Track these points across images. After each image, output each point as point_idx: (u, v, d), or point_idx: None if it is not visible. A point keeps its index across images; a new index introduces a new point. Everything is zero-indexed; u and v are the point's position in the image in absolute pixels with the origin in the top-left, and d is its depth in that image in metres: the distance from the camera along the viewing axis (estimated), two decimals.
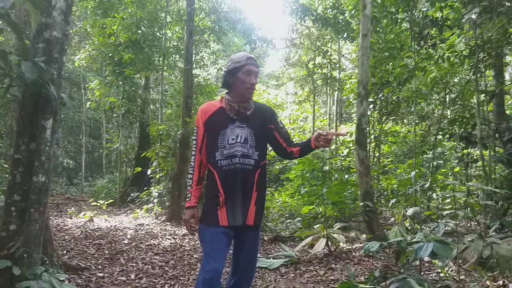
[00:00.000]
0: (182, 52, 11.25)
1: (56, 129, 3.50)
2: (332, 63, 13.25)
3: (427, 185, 6.28)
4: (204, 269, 2.28)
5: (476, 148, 6.49)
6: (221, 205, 2.33)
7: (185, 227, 2.45)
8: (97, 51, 11.83)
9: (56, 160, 19.01)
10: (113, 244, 5.88)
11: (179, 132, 8.70)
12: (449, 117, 8.92)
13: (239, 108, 2.39)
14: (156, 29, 11.86)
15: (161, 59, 11.68)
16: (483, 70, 6.86)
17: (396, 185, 8.77)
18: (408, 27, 7.45)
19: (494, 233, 4.84)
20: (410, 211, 3.75)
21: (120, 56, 11.11)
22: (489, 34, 6.16)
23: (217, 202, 2.34)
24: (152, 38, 11.63)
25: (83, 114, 19.01)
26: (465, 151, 6.86)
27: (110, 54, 11.35)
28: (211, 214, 2.36)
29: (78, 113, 19.64)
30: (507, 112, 8.44)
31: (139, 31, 11.21)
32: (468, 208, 4.66)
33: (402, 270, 3.32)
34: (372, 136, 9.99)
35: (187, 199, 2.45)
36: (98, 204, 10.20)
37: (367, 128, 7.54)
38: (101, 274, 4.15)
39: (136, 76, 12.96)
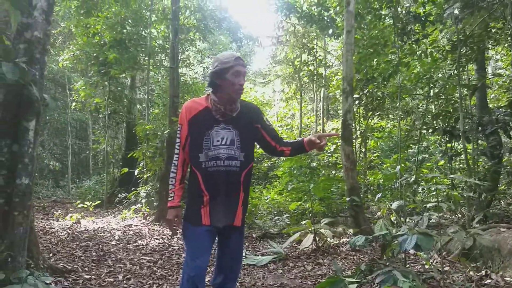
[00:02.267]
0: (168, 51, 11.18)
1: (39, 131, 3.46)
2: (318, 60, 13.33)
3: (412, 179, 6.38)
4: (189, 267, 2.28)
5: (460, 142, 6.60)
6: (204, 204, 2.32)
7: (168, 229, 2.45)
8: (81, 51, 11.69)
9: (42, 163, 18.75)
10: (101, 246, 5.83)
11: (166, 132, 8.66)
12: (433, 111, 9.05)
13: (226, 110, 2.34)
14: (141, 28, 11.76)
15: (146, 58, 11.60)
16: (465, 64, 6.96)
17: (382, 180, 8.87)
18: (391, 23, 7.54)
19: (477, 224, 4.94)
20: (395, 205, 3.81)
21: (105, 56, 11.00)
22: (471, 29, 6.27)
23: (201, 201, 2.32)
24: (137, 37, 11.54)
25: (69, 116, 18.77)
26: (448, 144, 6.98)
27: (95, 54, 11.24)
28: (194, 213, 2.34)
29: (64, 115, 19.37)
30: (490, 105, 8.58)
31: (124, 30, 11.12)
32: (451, 200, 4.74)
33: (387, 263, 3.37)
34: (358, 132, 10.08)
35: (170, 199, 2.41)
36: (85, 206, 10.10)
37: (353, 124, 7.61)
38: (88, 276, 4.12)
39: (121, 76, 12.83)
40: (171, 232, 2.51)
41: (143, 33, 11.88)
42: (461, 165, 8.82)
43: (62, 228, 7.54)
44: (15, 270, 3.00)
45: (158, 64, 13.11)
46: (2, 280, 2.86)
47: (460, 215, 6.77)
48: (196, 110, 2.38)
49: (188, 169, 2.45)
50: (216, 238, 2.46)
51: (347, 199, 5.81)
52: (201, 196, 2.32)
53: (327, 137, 2.44)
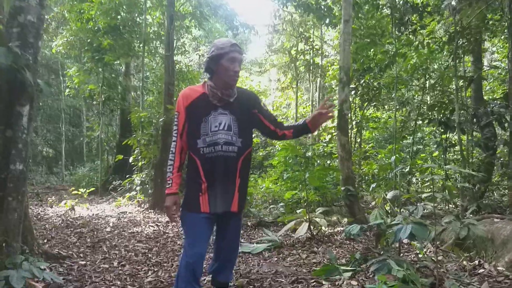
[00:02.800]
0: (163, 38, 11.05)
1: (33, 116, 3.42)
2: (314, 49, 13.26)
3: (407, 170, 6.41)
4: (187, 254, 2.29)
5: (455, 133, 6.64)
6: (203, 192, 2.33)
7: (167, 216, 2.46)
8: (75, 37, 11.55)
9: (35, 149, 18.64)
10: (95, 232, 5.83)
11: (161, 119, 8.61)
12: (428, 103, 9.07)
13: (222, 95, 2.35)
14: (136, 14, 11.61)
15: (141, 45, 11.47)
16: (462, 56, 6.96)
17: (376, 170, 8.92)
18: (389, 13, 7.50)
19: (471, 215, 4.99)
20: (389, 195, 3.83)
21: (99, 42, 10.86)
22: (468, 21, 6.25)
23: (199, 189, 2.33)
24: (131, 23, 11.39)
25: (62, 102, 18.61)
26: (443, 136, 7.01)
27: (89, 40, 11.10)
28: (193, 200, 2.35)
29: (57, 101, 19.21)
30: (485, 97, 8.62)
31: (118, 16, 10.96)
32: (446, 191, 4.78)
33: (382, 252, 3.40)
34: (354, 122, 10.09)
35: (167, 186, 2.42)
36: (79, 192, 10.07)
37: (349, 114, 7.61)
38: (83, 262, 4.12)
39: (116, 62, 12.70)
40: (169, 219, 2.52)
41: (137, 19, 11.73)
42: (456, 156, 8.88)
43: (56, 214, 7.52)
44: (10, 256, 3.00)
45: (153, 51, 12.99)
46: None
47: (454, 206, 6.84)
48: (193, 96, 2.39)
49: (187, 157, 2.46)
50: (214, 227, 2.48)
51: (342, 188, 5.83)
52: (199, 184, 2.33)
53: (327, 107, 2.42)
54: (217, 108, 2.36)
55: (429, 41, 7.23)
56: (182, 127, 2.40)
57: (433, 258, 3.24)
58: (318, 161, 9.18)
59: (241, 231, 5.73)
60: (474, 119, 6.20)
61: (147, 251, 4.76)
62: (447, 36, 6.95)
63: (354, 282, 3.04)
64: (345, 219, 5.95)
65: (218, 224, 2.50)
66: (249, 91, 2.66)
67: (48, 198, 9.73)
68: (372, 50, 8.50)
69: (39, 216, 7.22)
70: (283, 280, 3.34)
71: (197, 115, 2.36)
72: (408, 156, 8.13)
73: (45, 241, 5.08)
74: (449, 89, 7.86)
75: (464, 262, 3.41)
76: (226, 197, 2.35)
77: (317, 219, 5.33)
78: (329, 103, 2.42)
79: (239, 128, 2.39)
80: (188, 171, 2.44)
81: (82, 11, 10.90)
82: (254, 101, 2.52)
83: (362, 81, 8.96)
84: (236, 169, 2.37)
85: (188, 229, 2.37)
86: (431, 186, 3.78)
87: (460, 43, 6.55)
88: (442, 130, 6.67)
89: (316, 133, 13.42)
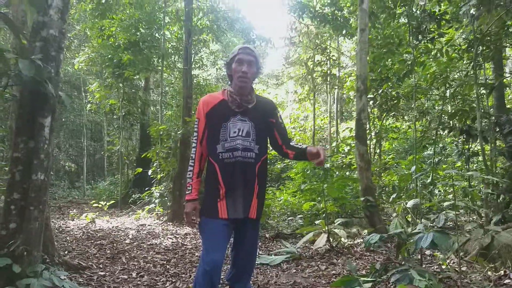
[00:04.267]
0: (181, 52, 11.25)
1: (54, 128, 3.50)
2: (331, 60, 13.24)
3: (428, 180, 6.25)
4: (204, 261, 2.28)
5: (477, 142, 6.47)
6: (221, 197, 2.33)
7: (186, 222, 2.48)
8: (96, 54, 11.84)
9: (58, 164, 19.05)
10: (115, 244, 5.87)
11: (179, 132, 8.70)
12: (449, 112, 8.89)
13: (241, 101, 2.39)
14: (154, 30, 11.86)
15: (160, 60, 11.69)
16: (482, 63, 6.83)
17: (397, 181, 8.75)
18: (406, 21, 7.44)
19: (495, 226, 4.82)
20: (410, 203, 3.73)
21: (119, 58, 11.11)
22: (488, 27, 6.15)
23: (218, 195, 2.34)
24: (151, 39, 11.63)
25: (84, 117, 19.05)
26: (466, 146, 6.84)
27: (109, 56, 11.36)
28: (211, 206, 2.36)
29: (79, 116, 19.67)
30: (508, 106, 8.41)
31: (138, 32, 11.21)
32: (468, 197, 4.63)
33: (403, 262, 3.31)
34: (373, 133, 9.96)
35: (187, 192, 2.44)
36: (100, 205, 10.20)
37: (367, 125, 7.53)
38: (102, 273, 4.15)
39: (135, 77, 12.96)
40: (187, 225, 2.54)
41: (156, 34, 11.98)
42: (479, 166, 8.64)
43: (78, 227, 7.62)
44: (31, 264, 3.04)
45: (171, 65, 13.20)
46: (19, 273, 2.90)
47: (478, 216, 6.62)
48: (213, 103, 2.45)
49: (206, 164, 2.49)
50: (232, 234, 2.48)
51: (362, 199, 5.74)
52: (217, 189, 2.34)
53: (318, 154, 2.31)
54: (236, 114, 2.40)
55: (448, 49, 7.12)
56: (202, 134, 2.44)
57: (456, 269, 3.13)
58: (337, 173, 9.08)
59: (259, 243, 5.69)
60: (497, 127, 6.04)
61: (165, 262, 4.77)
62: (466, 43, 6.84)
63: None
64: (365, 231, 5.83)
65: (235, 232, 2.49)
66: (268, 99, 2.68)
67: (70, 212, 9.89)
68: (389, 59, 8.43)
69: (60, 229, 7.33)
70: None
71: (216, 121, 2.40)
72: (429, 168, 7.95)
73: (66, 252, 5.14)
74: (469, 97, 7.70)
75: (489, 273, 3.29)
76: (245, 203, 2.34)
77: (336, 230, 5.24)
78: (319, 160, 2.30)
79: (257, 135, 2.42)
80: (206, 177, 2.46)
81: (103, 28, 11.21)
82: (272, 110, 2.55)
83: (380, 91, 8.87)
84: (255, 175, 2.39)
85: (206, 236, 2.36)
86: (453, 194, 3.66)
87: (480, 50, 6.43)
88: (464, 139, 6.51)
89: (334, 144, 13.32)
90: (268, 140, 2.59)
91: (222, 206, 2.32)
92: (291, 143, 2.54)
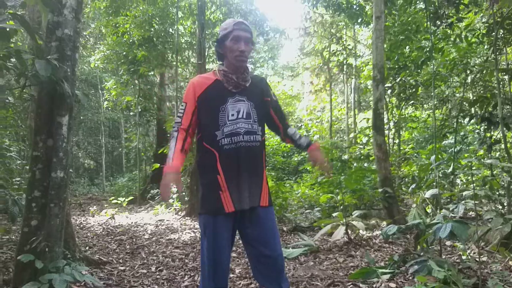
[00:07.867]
0: (195, 47, 11.26)
1: (72, 126, 3.55)
2: (347, 49, 13.06)
3: (449, 170, 6.12)
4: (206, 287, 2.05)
5: (498, 129, 6.29)
6: (223, 189, 2.03)
7: (161, 195, 2.00)
8: (111, 51, 11.97)
9: (77, 161, 19.44)
10: (134, 240, 5.96)
11: None
12: (470, 99, 8.67)
13: (238, 79, 2.12)
14: (168, 25, 11.91)
15: (174, 55, 11.73)
16: (502, 47, 6.62)
17: (416, 172, 8.60)
18: (423, 7, 7.26)
19: None
20: (428, 193, 3.64)
21: (134, 54, 11.21)
22: (508, 10, 5.94)
23: (218, 186, 2.04)
24: (164, 34, 11.68)
25: (102, 115, 19.35)
26: (487, 134, 6.66)
27: (124, 53, 11.47)
28: (213, 199, 2.05)
29: (97, 114, 20.00)
30: None
31: (152, 28, 11.28)
32: (487, 186, 4.50)
33: (421, 253, 3.25)
34: (391, 123, 9.80)
35: (168, 165, 2.01)
36: (119, 202, 10.36)
37: (385, 114, 7.41)
38: (122, 268, 4.22)
39: (150, 73, 13.06)
40: (164, 199, 2.27)
41: (170, 30, 12.02)
42: (502, 154, 8.42)
43: (98, 223, 7.77)
44: (52, 260, 3.10)
45: (185, 60, 13.25)
46: (41, 269, 2.97)
47: (501, 206, 6.47)
48: (205, 85, 2.13)
49: (200, 154, 2.17)
50: (241, 240, 2.20)
51: (380, 190, 5.66)
52: (217, 180, 2.05)
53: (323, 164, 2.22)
54: (234, 95, 2.12)
55: (467, 34, 6.93)
56: (189, 120, 2.11)
57: (476, 259, 3.06)
58: (355, 164, 8.99)
59: None
60: None
61: (184, 256, 4.81)
62: (485, 27, 6.64)
63: (392, 285, 2.92)
64: (384, 222, 5.76)
65: (241, 230, 2.15)
66: (260, 76, 2.41)
67: (90, 208, 10.08)
68: (407, 46, 8.24)
69: (81, 225, 7.48)
70: (319, 283, 3.26)
71: (212, 104, 2.10)
72: (450, 157, 7.78)
73: (87, 248, 5.25)
74: (490, 84, 7.49)
75: (510, 262, 3.21)
76: (253, 192, 2.08)
77: (354, 222, 5.19)
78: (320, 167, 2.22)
79: (258, 115, 2.14)
80: (202, 168, 2.15)
81: (117, 25, 11.31)
82: (266, 88, 2.28)
83: (398, 79, 8.70)
84: (262, 159, 2.14)
85: (208, 253, 2.05)
86: (472, 183, 3.56)
87: (500, 34, 6.23)
88: (485, 127, 6.34)
89: (352, 135, 13.17)
90: (265, 121, 2.29)
91: (226, 198, 2.02)
92: (288, 131, 2.29)
